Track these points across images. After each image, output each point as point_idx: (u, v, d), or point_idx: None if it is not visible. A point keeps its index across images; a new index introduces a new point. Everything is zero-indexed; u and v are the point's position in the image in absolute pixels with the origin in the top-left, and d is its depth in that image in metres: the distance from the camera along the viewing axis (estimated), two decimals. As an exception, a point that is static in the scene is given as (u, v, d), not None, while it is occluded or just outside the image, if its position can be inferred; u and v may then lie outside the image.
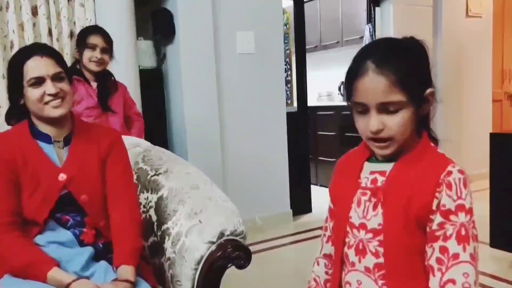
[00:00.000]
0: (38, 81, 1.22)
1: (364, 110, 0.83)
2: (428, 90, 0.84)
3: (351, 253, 0.90)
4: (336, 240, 0.97)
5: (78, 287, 1.12)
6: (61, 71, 1.26)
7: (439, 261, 0.80)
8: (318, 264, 1.05)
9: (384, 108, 0.81)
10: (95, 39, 2.11)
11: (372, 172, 0.90)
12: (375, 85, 0.80)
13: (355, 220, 0.90)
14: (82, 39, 2.13)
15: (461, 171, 0.82)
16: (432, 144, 0.89)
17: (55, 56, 1.27)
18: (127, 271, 1.19)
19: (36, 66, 1.22)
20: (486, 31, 4.16)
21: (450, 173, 0.81)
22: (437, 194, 0.81)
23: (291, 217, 3.55)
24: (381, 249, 0.86)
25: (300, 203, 3.72)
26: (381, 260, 0.86)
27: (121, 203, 1.31)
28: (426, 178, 0.82)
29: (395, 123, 0.82)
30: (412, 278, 0.85)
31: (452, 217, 0.81)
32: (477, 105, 4.33)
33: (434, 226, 0.82)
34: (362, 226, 0.88)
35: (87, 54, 2.10)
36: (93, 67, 2.12)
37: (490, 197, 2.35)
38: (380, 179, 0.88)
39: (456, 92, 4.25)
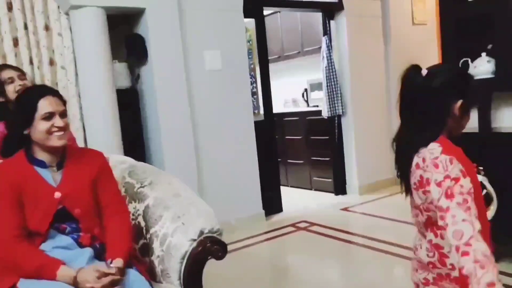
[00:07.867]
0: (50, 116, 1.48)
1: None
2: None
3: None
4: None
5: (82, 274, 1.38)
6: (65, 109, 1.54)
7: None
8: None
9: None
10: (8, 73, 2.10)
11: None
12: None
13: None
14: None
15: None
16: None
17: (60, 97, 1.56)
18: (117, 261, 1.45)
19: (49, 103, 1.49)
20: (431, 37, 4.54)
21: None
22: None
23: (263, 217, 3.82)
24: None
25: (272, 204, 4.00)
26: None
27: (115, 218, 1.58)
28: None
29: None
30: None
31: None
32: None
33: None
34: None
35: (9, 88, 2.07)
36: None
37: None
38: None
39: (408, 94, 4.61)
